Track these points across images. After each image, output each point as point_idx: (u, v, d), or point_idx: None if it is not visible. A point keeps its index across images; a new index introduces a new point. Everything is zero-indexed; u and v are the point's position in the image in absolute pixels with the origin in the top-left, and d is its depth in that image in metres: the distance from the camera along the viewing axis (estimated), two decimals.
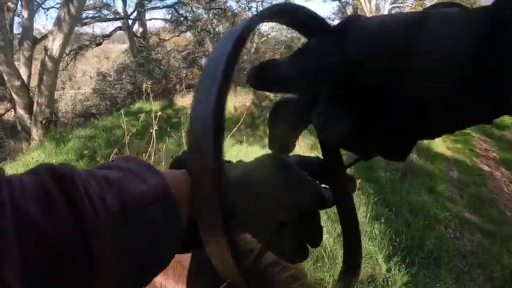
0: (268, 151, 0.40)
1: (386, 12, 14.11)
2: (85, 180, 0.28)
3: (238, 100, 8.60)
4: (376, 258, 2.86)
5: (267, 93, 8.95)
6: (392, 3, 17.47)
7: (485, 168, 6.53)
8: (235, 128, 4.17)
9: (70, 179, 0.27)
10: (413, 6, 18.08)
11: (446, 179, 5.71)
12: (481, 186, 5.63)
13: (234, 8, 13.75)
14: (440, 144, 7.30)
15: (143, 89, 5.41)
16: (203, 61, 13.51)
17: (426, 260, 3.00)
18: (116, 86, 10.59)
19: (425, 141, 7.14)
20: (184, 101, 8.95)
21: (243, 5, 13.94)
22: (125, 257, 0.28)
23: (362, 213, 3.47)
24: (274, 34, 14.39)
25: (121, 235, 0.28)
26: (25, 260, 0.23)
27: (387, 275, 2.73)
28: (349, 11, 17.91)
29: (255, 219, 0.37)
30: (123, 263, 0.28)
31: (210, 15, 13.42)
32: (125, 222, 0.28)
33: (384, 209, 3.87)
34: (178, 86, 10.06)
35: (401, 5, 18.25)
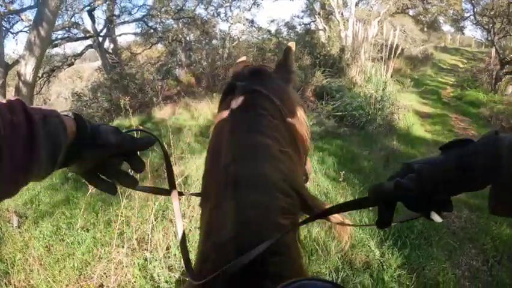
0: None
1: (353, 8, 14.35)
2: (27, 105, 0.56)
3: (215, 107, 8.56)
4: (369, 245, 2.89)
5: None
6: None
7: None
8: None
9: (23, 105, 0.55)
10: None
11: None
12: None
13: (203, 15, 13.75)
14: (419, 128, 7.43)
15: (121, 105, 5.37)
16: (177, 71, 13.46)
17: (417, 240, 3.04)
18: (93, 105, 10.46)
19: (405, 126, 7.27)
20: (162, 113, 8.89)
21: (211, 12, 13.98)
22: (47, 139, 0.56)
23: None
24: (246, 37, 14.48)
25: (45, 129, 0.56)
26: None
27: (381, 260, 2.76)
28: (317, 7, 18.04)
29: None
30: (47, 143, 0.56)
31: (180, 25, 13.39)
32: (45, 123, 0.56)
33: None
34: (154, 99, 9.98)
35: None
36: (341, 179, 3.71)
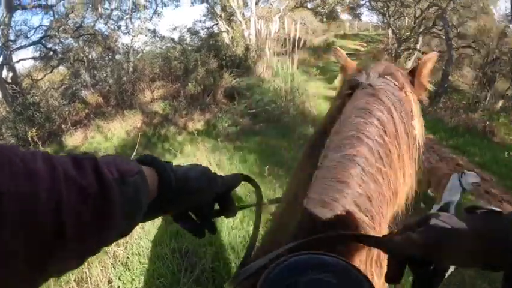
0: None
1: (253, 7, 14.61)
2: (99, 161, 0.45)
3: (128, 124, 8.25)
4: None
5: (156, 110, 8.72)
6: None
7: None
8: (134, 153, 4.02)
9: (93, 162, 0.44)
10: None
11: None
12: None
13: (103, 30, 13.18)
14: None
15: (29, 138, 4.94)
16: (83, 93, 12.74)
17: None
18: None
19: (318, 112, 7.53)
20: (74, 140, 8.37)
21: (112, 26, 13.43)
22: (124, 204, 0.46)
23: None
24: (149, 48, 14.11)
25: (123, 194, 0.45)
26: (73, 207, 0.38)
27: None
28: (218, 10, 18.10)
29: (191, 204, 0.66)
30: (125, 208, 0.46)
31: (80, 43, 12.71)
32: (123, 184, 0.46)
33: None
34: (63, 126, 9.33)
35: None
36: (266, 174, 3.72)
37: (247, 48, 10.47)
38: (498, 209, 0.51)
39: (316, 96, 8.58)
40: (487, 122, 7.40)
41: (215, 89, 8.45)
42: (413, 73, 0.91)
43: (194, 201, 0.64)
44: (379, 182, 0.72)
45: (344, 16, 28.71)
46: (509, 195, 4.64)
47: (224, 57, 10.25)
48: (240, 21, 14.44)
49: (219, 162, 5.07)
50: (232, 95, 8.00)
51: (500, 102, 9.43)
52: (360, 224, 0.69)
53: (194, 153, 5.52)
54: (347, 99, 0.84)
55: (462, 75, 14.27)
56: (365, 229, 0.69)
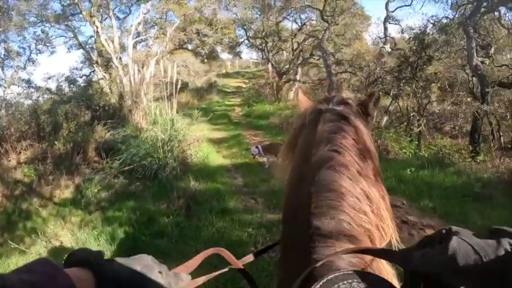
0: None
1: (130, 50, 13.89)
2: None
3: None
4: None
5: (19, 178, 7.36)
6: (135, 38, 17.36)
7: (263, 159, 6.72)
8: None
9: None
10: (156, 36, 18.53)
11: (233, 191, 5.54)
12: (270, 180, 5.64)
13: None
14: (216, 157, 7.25)
15: None
16: None
17: None
18: None
19: (200, 160, 6.95)
20: None
21: None
22: None
23: None
24: (24, 100, 12.46)
25: None
26: None
27: None
28: (94, 56, 17.00)
29: None
30: None
31: None
32: None
33: None
34: None
35: (144, 37, 18.42)
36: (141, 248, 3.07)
37: (121, 96, 9.56)
38: None
39: (200, 139, 8.06)
40: (379, 140, 7.48)
41: (85, 146, 7.39)
42: (361, 104, 1.04)
43: None
44: (362, 181, 0.82)
45: (225, 56, 29.37)
46: (428, 219, 4.43)
47: (97, 108, 9.22)
48: (117, 67, 13.55)
49: (86, 241, 4.19)
50: (107, 151, 7.04)
51: (385, 119, 9.81)
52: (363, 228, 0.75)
53: (57, 234, 4.57)
54: (314, 125, 0.93)
55: None
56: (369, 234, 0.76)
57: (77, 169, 6.79)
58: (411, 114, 9.49)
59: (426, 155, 7.04)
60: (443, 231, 0.53)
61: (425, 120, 9.29)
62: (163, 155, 6.24)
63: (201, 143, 8.20)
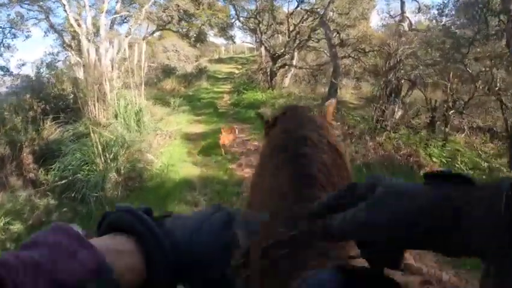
0: None
1: (103, 28, 12.25)
2: (16, 277, 0.28)
3: None
4: None
5: None
6: (109, 17, 15.62)
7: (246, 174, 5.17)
8: None
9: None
10: (130, 14, 16.70)
11: None
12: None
13: None
14: (183, 164, 5.66)
15: None
16: None
17: None
18: None
19: (160, 171, 5.34)
20: None
21: None
22: None
23: None
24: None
25: None
26: None
27: None
28: (67, 39, 15.37)
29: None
30: None
31: None
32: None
33: None
34: None
35: (118, 15, 16.66)
36: None
37: (75, 83, 7.80)
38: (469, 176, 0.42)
39: (174, 135, 6.49)
40: (404, 149, 5.71)
41: (24, 149, 5.75)
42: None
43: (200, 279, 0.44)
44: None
45: (220, 40, 27.99)
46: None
47: (50, 99, 7.55)
48: (88, 50, 11.91)
49: None
50: (51, 155, 5.44)
51: (399, 113, 7.78)
52: None
53: None
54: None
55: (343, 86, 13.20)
56: None
57: (6, 182, 5.14)
58: (450, 112, 6.73)
59: (462, 166, 5.30)
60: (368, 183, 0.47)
61: (465, 119, 7.15)
62: (103, 164, 4.57)
63: (173, 140, 6.63)
